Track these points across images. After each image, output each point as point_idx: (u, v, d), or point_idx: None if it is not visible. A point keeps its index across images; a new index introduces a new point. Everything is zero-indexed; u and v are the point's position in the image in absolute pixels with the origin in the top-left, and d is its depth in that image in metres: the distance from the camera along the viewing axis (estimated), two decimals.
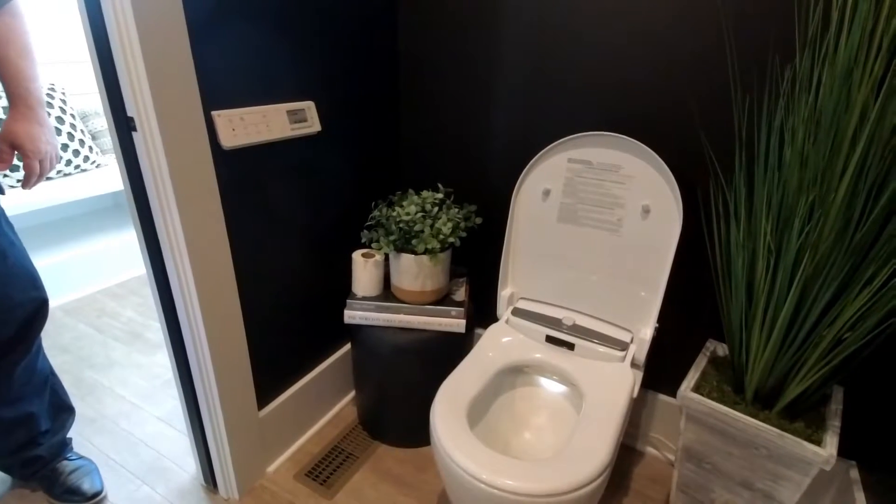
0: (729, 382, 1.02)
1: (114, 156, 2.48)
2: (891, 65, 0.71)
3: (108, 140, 2.55)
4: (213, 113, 0.92)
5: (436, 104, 1.36)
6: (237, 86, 0.96)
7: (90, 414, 1.47)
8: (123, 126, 0.86)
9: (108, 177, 2.33)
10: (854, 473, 1.06)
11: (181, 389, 1.11)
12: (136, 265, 2.37)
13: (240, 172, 1.01)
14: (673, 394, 1.27)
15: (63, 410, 1.20)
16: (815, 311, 0.85)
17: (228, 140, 0.95)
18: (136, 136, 0.86)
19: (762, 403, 0.96)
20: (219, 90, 0.93)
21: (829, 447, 0.85)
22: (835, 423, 0.91)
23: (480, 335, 1.20)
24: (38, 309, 1.04)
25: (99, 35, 0.80)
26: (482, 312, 1.50)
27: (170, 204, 0.89)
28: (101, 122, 2.53)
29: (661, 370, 1.27)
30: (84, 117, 2.49)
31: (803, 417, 0.93)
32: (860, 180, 0.76)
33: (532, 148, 1.25)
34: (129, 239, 2.35)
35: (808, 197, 0.81)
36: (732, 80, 0.97)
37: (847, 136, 0.75)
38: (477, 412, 1.03)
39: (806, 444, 0.86)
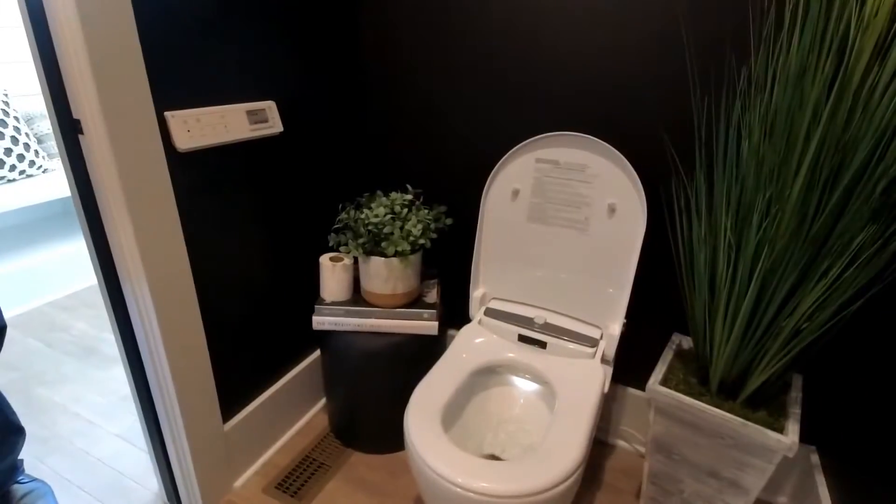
0: (694, 374, 1.04)
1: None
2: (841, 64, 0.73)
3: (55, 144, 2.42)
4: (167, 114, 0.88)
5: (403, 104, 1.34)
6: (192, 85, 0.92)
7: (43, 434, 1.38)
8: (69, 129, 0.81)
9: (56, 182, 2.21)
10: (815, 458, 1.11)
11: (139, 405, 1.06)
12: (88, 275, 2.25)
13: (197, 176, 0.97)
14: (642, 387, 1.30)
15: (12, 432, 1.12)
16: (774, 304, 0.87)
17: (183, 142, 0.90)
18: (83, 140, 0.81)
19: (727, 394, 0.99)
20: (172, 90, 0.89)
21: (792, 434, 0.88)
22: (795, 411, 0.94)
23: (454, 336, 1.19)
24: None
25: (41, 33, 0.75)
26: (455, 314, 1.49)
27: (120, 210, 0.84)
28: (48, 124, 2.40)
29: (629, 365, 1.29)
30: (29, 120, 2.36)
31: (766, 406, 0.96)
32: (814, 176, 0.78)
33: (501, 148, 1.24)
34: (79, 247, 2.24)
35: (765, 193, 0.84)
36: (691, 79, 1.00)
37: (801, 134, 0.78)
38: (451, 414, 1.02)
39: (769, 432, 0.88)
